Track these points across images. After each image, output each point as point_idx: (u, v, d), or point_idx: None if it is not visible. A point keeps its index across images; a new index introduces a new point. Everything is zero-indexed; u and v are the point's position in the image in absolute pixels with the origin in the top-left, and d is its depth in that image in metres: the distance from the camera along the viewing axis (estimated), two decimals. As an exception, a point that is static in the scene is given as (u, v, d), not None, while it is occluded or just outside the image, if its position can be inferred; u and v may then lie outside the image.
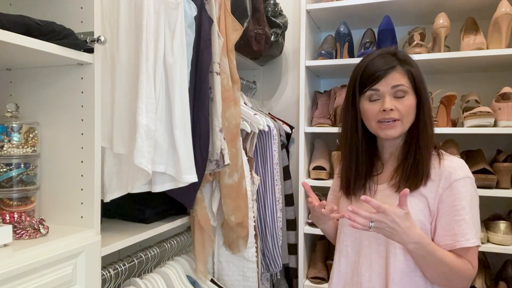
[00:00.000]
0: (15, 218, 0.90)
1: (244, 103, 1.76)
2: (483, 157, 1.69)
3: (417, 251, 0.96)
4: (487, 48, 1.65)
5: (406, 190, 0.92)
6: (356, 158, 1.12)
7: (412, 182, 1.03)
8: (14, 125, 0.93)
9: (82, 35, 0.94)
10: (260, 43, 1.73)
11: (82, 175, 0.98)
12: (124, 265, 1.14)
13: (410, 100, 1.04)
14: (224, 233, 1.52)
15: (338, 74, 2.09)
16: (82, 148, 0.98)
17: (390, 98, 1.03)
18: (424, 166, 1.03)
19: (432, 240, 1.03)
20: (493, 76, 1.87)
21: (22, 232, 0.87)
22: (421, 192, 1.03)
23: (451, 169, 1.02)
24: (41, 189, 1.01)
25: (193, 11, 1.24)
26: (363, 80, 1.07)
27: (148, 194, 1.19)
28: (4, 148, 0.92)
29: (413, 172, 1.03)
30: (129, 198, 1.19)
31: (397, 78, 1.03)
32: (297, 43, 2.07)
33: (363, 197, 0.93)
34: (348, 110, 1.12)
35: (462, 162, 1.05)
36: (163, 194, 1.21)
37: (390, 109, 1.02)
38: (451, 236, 0.99)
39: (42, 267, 0.81)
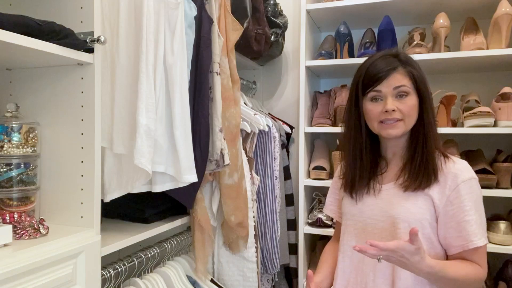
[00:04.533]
0: (15, 218, 0.90)
1: (244, 103, 1.76)
2: (483, 157, 1.69)
3: (429, 277, 0.97)
4: (487, 48, 1.64)
5: (415, 229, 0.89)
6: (360, 157, 1.13)
7: (422, 181, 1.04)
8: (14, 125, 0.93)
9: (82, 35, 0.94)
10: (260, 43, 1.73)
11: (82, 175, 0.98)
12: (124, 265, 1.14)
13: (412, 101, 1.06)
14: (224, 233, 1.52)
15: (338, 74, 2.09)
16: (82, 148, 0.97)
17: (392, 99, 1.05)
18: (433, 165, 1.05)
19: (439, 240, 1.04)
20: (493, 76, 1.87)
21: (22, 232, 0.87)
22: (425, 192, 1.04)
23: (457, 170, 1.04)
24: (41, 189, 1.01)
25: (193, 11, 1.24)
26: (365, 82, 1.08)
27: (148, 194, 1.19)
28: (4, 148, 0.92)
29: (421, 172, 1.04)
30: (129, 198, 1.18)
31: (399, 79, 1.05)
32: (297, 43, 2.07)
33: (369, 241, 0.90)
34: (351, 110, 1.14)
35: (466, 163, 1.07)
36: (163, 194, 1.21)
37: (392, 110, 1.05)
38: (464, 236, 1.01)
39: (42, 267, 0.81)
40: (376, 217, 1.08)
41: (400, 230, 1.03)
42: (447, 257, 1.06)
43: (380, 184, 1.12)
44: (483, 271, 1.02)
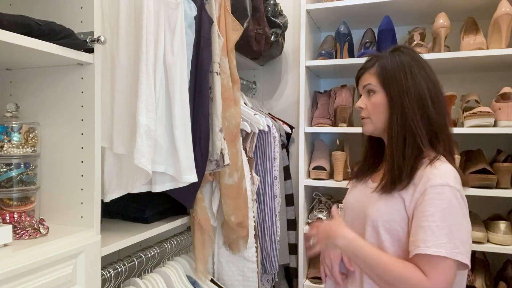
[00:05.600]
0: (15, 218, 0.90)
1: (244, 103, 1.76)
2: (483, 157, 1.69)
3: (346, 248, 0.99)
4: (487, 48, 1.64)
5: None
6: (365, 151, 1.20)
7: (386, 189, 1.02)
8: (14, 125, 0.93)
9: (82, 35, 0.94)
10: (260, 43, 1.73)
11: (82, 175, 0.98)
12: (124, 265, 1.14)
13: (375, 98, 1.08)
14: (224, 233, 1.52)
15: (338, 74, 2.09)
16: (82, 148, 0.98)
17: (363, 97, 1.11)
18: (401, 174, 1.00)
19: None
20: (493, 76, 1.87)
21: (22, 232, 0.87)
22: (399, 194, 1.00)
23: (431, 175, 0.97)
24: (41, 189, 1.01)
25: (193, 11, 1.24)
26: None
27: (148, 194, 1.19)
28: (4, 148, 0.92)
29: (389, 180, 1.02)
30: (129, 198, 1.18)
31: (367, 78, 1.10)
32: (297, 43, 2.07)
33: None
34: None
35: (447, 170, 0.98)
36: (163, 194, 1.21)
37: (359, 107, 1.11)
38: (413, 241, 0.94)
39: (42, 267, 0.81)
40: (360, 214, 1.10)
41: (368, 228, 1.04)
42: None
43: (371, 181, 1.15)
44: (427, 283, 0.88)
